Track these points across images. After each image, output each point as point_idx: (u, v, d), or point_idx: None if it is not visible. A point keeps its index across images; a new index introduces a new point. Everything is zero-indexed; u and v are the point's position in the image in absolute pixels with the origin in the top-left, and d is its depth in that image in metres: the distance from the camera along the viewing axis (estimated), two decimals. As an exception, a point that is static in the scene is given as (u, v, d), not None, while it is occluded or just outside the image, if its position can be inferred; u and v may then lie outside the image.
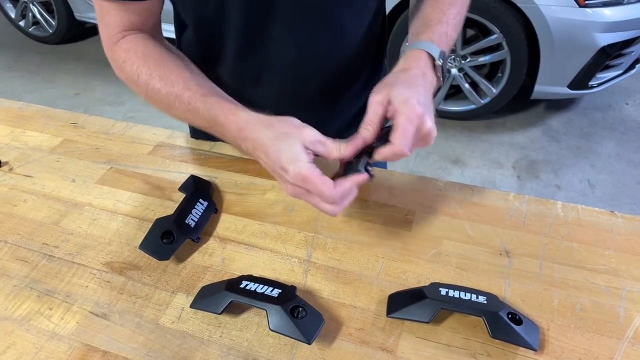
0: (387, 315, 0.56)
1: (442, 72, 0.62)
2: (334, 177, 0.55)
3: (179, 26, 0.76)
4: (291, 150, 0.53)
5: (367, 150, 0.56)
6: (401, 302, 0.56)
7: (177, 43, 0.79)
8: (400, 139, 0.53)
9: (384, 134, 0.56)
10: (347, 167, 0.57)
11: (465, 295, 0.54)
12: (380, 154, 0.55)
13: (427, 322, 0.53)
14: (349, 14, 0.70)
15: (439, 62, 0.61)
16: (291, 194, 0.55)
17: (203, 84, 0.63)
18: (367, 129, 0.56)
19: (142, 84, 0.64)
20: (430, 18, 0.65)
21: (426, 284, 0.58)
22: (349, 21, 0.70)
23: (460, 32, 0.69)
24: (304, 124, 0.56)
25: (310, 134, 0.54)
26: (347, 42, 0.72)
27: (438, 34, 0.63)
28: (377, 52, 0.82)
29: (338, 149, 0.55)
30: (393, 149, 0.53)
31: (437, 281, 0.59)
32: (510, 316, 0.52)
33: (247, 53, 0.71)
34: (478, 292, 0.55)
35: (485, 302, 0.53)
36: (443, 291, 0.55)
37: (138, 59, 0.64)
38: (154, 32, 0.69)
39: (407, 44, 0.64)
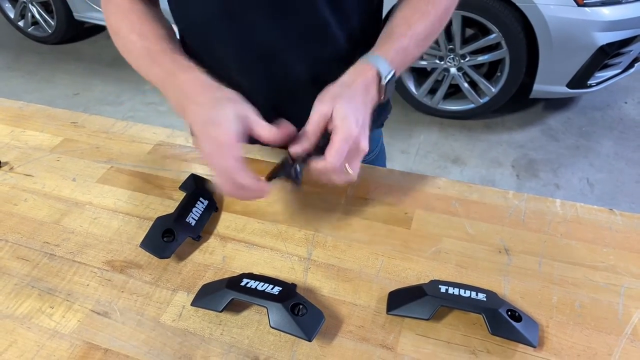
0: (387, 313, 0.56)
1: (385, 92, 0.63)
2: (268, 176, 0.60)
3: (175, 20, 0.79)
4: (229, 112, 0.55)
5: (302, 156, 0.58)
6: (401, 299, 0.56)
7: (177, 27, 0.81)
8: (333, 156, 0.55)
9: (322, 144, 0.58)
10: (279, 168, 0.60)
11: (464, 293, 0.54)
12: (314, 167, 0.57)
13: (427, 319, 0.53)
14: (327, 5, 0.70)
15: (383, 83, 0.62)
16: (205, 155, 0.56)
17: (174, 44, 0.67)
18: (308, 139, 0.58)
19: (122, 36, 0.68)
20: (394, 30, 0.66)
21: (426, 282, 0.58)
22: (329, 12, 0.70)
23: (427, 47, 0.70)
24: (246, 102, 0.58)
25: (249, 109, 0.57)
26: (330, 32, 0.72)
27: (396, 49, 0.64)
28: (370, 45, 0.82)
29: (269, 131, 0.56)
30: (325, 164, 0.56)
31: (437, 279, 0.59)
32: (509, 313, 0.53)
33: (229, 41, 0.72)
34: (478, 290, 0.55)
35: (485, 299, 0.54)
36: (443, 288, 0.55)
37: (122, 13, 0.69)
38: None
39: (368, 53, 0.65)
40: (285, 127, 0.57)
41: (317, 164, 0.57)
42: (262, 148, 0.82)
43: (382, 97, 0.63)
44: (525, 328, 0.52)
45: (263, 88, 0.77)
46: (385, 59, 0.62)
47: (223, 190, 0.56)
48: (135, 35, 0.66)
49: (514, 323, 0.52)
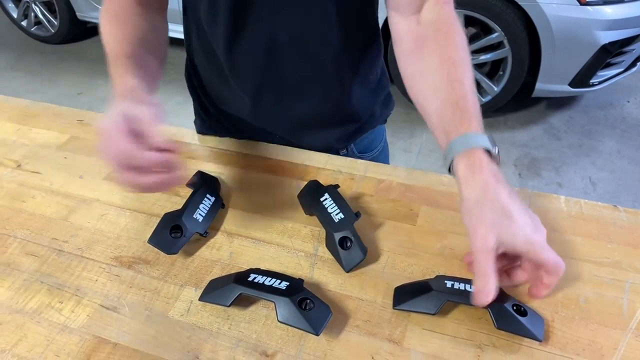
0: (393, 308, 0.56)
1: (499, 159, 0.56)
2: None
3: (185, 17, 0.79)
4: (114, 114, 0.54)
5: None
6: (407, 294, 0.57)
7: (184, 35, 0.81)
8: (548, 291, 0.54)
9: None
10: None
11: (470, 288, 0.55)
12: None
13: (433, 314, 0.54)
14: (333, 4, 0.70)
15: (495, 152, 0.55)
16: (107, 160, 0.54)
17: (137, 48, 0.67)
18: (491, 285, 0.50)
19: (103, 36, 0.69)
20: (455, 98, 0.58)
21: (431, 277, 0.59)
22: (332, 6, 0.71)
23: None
24: (157, 109, 0.56)
25: (138, 110, 0.55)
26: (334, 27, 0.73)
27: (475, 116, 0.57)
28: (368, 45, 0.82)
29: (156, 136, 0.53)
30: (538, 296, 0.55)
31: (442, 274, 0.60)
32: (515, 308, 0.53)
33: (237, 36, 0.72)
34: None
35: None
36: (449, 283, 0.56)
37: (109, 14, 0.70)
38: (148, 5, 0.72)
39: (451, 138, 0.56)
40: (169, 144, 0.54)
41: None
42: (268, 146, 0.83)
43: (498, 164, 0.56)
44: (530, 322, 0.52)
45: (267, 84, 0.77)
46: (478, 133, 0.56)
47: (127, 182, 0.53)
48: (110, 37, 0.68)
49: (519, 317, 0.52)
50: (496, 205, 0.51)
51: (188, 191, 0.71)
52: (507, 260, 0.56)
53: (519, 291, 0.58)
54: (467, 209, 0.53)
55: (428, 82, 0.62)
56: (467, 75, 0.60)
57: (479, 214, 0.52)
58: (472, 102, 0.58)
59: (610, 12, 2.07)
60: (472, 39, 2.42)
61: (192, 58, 0.85)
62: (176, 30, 0.94)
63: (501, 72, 2.40)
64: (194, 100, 0.92)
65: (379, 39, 0.84)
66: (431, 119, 0.61)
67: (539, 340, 0.52)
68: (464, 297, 0.54)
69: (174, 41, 0.83)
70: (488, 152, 0.54)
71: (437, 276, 0.58)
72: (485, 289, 0.50)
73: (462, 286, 0.55)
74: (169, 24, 0.77)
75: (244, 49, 0.73)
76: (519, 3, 2.12)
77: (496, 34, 2.27)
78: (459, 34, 0.63)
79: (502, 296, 0.54)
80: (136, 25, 0.70)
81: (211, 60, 0.79)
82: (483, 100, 2.49)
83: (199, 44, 0.79)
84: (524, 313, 0.53)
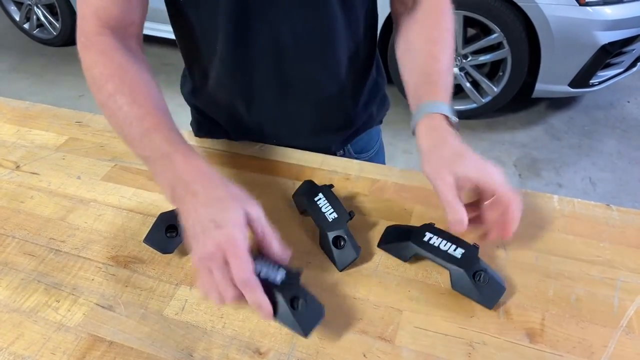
0: (377, 246, 0.62)
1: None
2: None
3: (176, 20, 0.77)
4: (238, 215, 0.50)
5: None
6: (390, 237, 0.61)
7: (176, 37, 0.81)
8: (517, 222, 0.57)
9: None
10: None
11: (444, 245, 0.58)
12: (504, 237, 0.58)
13: (405, 262, 0.59)
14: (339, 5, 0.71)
15: (453, 120, 0.63)
16: (203, 255, 0.48)
17: (168, 117, 0.60)
18: (461, 211, 0.55)
19: (105, 93, 0.61)
20: (428, 71, 0.67)
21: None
22: (339, 8, 0.71)
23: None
24: (252, 201, 0.53)
25: (257, 209, 0.52)
26: (337, 30, 0.73)
27: (444, 88, 0.65)
28: (369, 47, 0.83)
29: (278, 245, 0.52)
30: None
31: (434, 225, 0.62)
32: (476, 276, 0.55)
33: (241, 38, 0.72)
34: (460, 244, 0.58)
35: (460, 256, 0.57)
36: (428, 236, 0.59)
37: (112, 65, 0.62)
38: (132, 43, 0.67)
39: (418, 104, 0.65)
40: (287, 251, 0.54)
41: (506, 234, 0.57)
42: (264, 147, 0.83)
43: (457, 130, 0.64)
44: (485, 291, 0.55)
45: (267, 88, 0.77)
46: (442, 102, 0.64)
47: (217, 298, 0.49)
48: (123, 96, 0.59)
49: (474, 284, 0.55)
50: (450, 148, 0.59)
51: (184, 191, 0.72)
52: (473, 209, 0.60)
53: (512, 290, 0.59)
54: (426, 158, 0.60)
55: (411, 59, 0.71)
56: (445, 54, 0.68)
57: (436, 158, 0.59)
58: (444, 78, 0.67)
59: (609, 12, 2.07)
60: (471, 40, 2.43)
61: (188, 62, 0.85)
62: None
63: (501, 73, 2.40)
64: (190, 106, 0.93)
65: (376, 37, 0.85)
66: (408, 87, 0.69)
67: (488, 308, 0.54)
68: (432, 253, 0.57)
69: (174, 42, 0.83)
70: (448, 118, 0.62)
71: (424, 224, 0.61)
72: (457, 217, 0.55)
73: (437, 242, 0.58)
74: (164, 24, 0.75)
75: (246, 51, 0.73)
76: (518, 4, 2.13)
77: (495, 35, 2.27)
78: (445, 18, 0.71)
79: (469, 261, 0.56)
80: (147, 85, 0.62)
81: (210, 64, 0.78)
82: (483, 101, 2.50)
83: (193, 42, 0.78)
84: (483, 281, 0.55)
